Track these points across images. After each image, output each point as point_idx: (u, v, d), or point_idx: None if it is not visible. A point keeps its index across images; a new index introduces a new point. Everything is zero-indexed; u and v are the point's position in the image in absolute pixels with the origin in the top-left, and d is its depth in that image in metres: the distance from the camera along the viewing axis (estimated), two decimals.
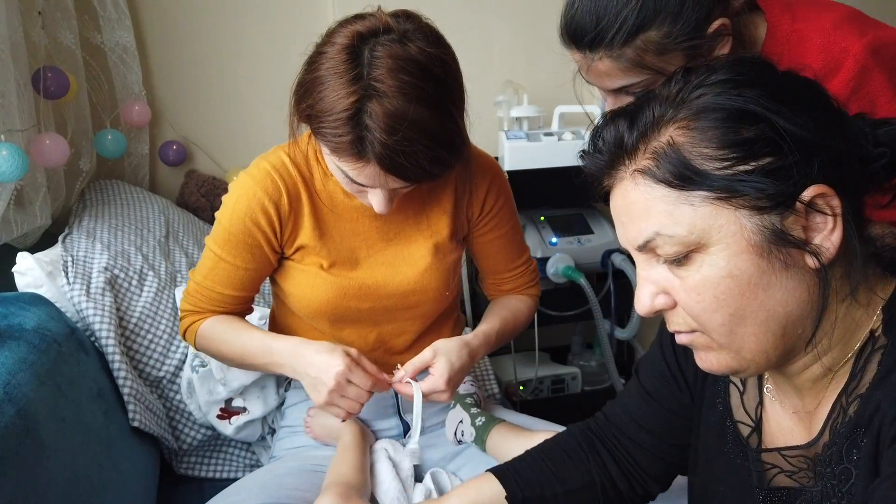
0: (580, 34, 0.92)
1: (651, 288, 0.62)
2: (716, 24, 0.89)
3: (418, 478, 1.12)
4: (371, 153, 0.86)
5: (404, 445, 1.16)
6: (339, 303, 1.08)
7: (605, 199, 0.66)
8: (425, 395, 1.01)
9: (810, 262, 0.57)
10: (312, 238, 1.06)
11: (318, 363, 0.98)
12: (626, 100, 0.97)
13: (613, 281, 1.83)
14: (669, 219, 0.58)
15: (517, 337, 1.87)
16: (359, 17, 0.89)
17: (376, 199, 0.95)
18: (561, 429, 1.16)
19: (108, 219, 1.52)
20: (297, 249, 1.08)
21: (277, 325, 1.21)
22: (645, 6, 0.87)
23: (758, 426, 0.72)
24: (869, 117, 0.64)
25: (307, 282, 1.08)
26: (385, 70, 0.84)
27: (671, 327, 0.64)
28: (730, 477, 0.73)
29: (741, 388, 0.75)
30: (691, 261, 0.59)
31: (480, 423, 1.14)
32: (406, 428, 1.20)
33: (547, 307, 1.83)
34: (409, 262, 1.10)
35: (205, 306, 1.10)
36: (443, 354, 1.02)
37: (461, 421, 1.17)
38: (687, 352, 0.80)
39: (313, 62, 0.90)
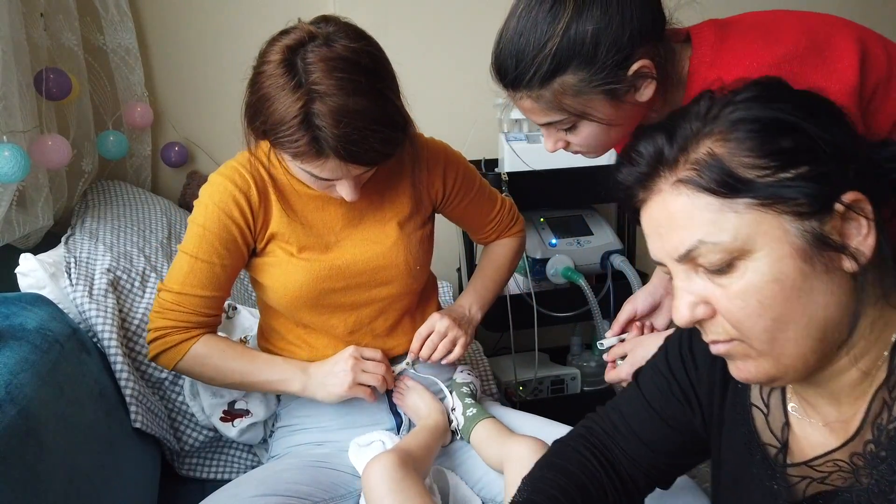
0: (503, 73, 0.95)
1: (690, 298, 0.63)
2: (636, 66, 0.90)
3: None
4: (328, 148, 0.94)
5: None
6: (314, 286, 1.12)
7: (635, 213, 0.67)
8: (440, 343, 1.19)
9: (848, 265, 0.59)
10: (282, 224, 1.12)
11: (330, 359, 1.15)
12: (559, 134, 0.99)
13: (613, 282, 1.84)
14: (714, 227, 0.59)
15: (517, 338, 1.90)
16: (284, 33, 0.97)
17: (344, 190, 1.04)
18: (559, 427, 1.16)
19: (111, 220, 1.53)
20: (269, 241, 1.13)
21: (265, 331, 1.25)
22: (559, 51, 0.89)
23: (784, 446, 0.70)
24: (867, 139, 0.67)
25: (281, 270, 1.12)
26: (320, 73, 0.92)
27: (708, 337, 0.64)
28: (759, 499, 0.72)
29: (765, 411, 0.73)
30: (735, 268, 0.60)
31: (471, 414, 1.18)
32: (398, 422, 1.21)
33: (546, 308, 1.84)
34: (377, 240, 1.16)
35: (186, 319, 1.11)
36: (437, 312, 1.22)
37: (454, 409, 1.21)
38: (699, 373, 0.80)
39: (255, 83, 0.98)
